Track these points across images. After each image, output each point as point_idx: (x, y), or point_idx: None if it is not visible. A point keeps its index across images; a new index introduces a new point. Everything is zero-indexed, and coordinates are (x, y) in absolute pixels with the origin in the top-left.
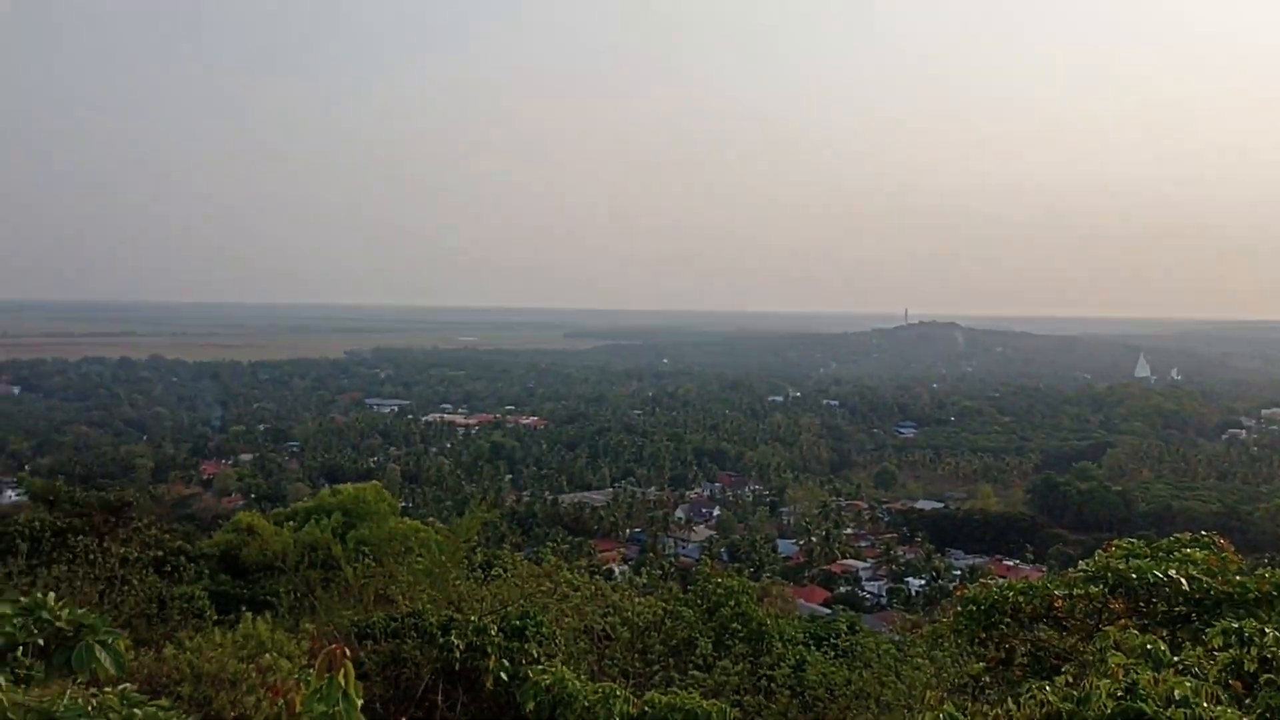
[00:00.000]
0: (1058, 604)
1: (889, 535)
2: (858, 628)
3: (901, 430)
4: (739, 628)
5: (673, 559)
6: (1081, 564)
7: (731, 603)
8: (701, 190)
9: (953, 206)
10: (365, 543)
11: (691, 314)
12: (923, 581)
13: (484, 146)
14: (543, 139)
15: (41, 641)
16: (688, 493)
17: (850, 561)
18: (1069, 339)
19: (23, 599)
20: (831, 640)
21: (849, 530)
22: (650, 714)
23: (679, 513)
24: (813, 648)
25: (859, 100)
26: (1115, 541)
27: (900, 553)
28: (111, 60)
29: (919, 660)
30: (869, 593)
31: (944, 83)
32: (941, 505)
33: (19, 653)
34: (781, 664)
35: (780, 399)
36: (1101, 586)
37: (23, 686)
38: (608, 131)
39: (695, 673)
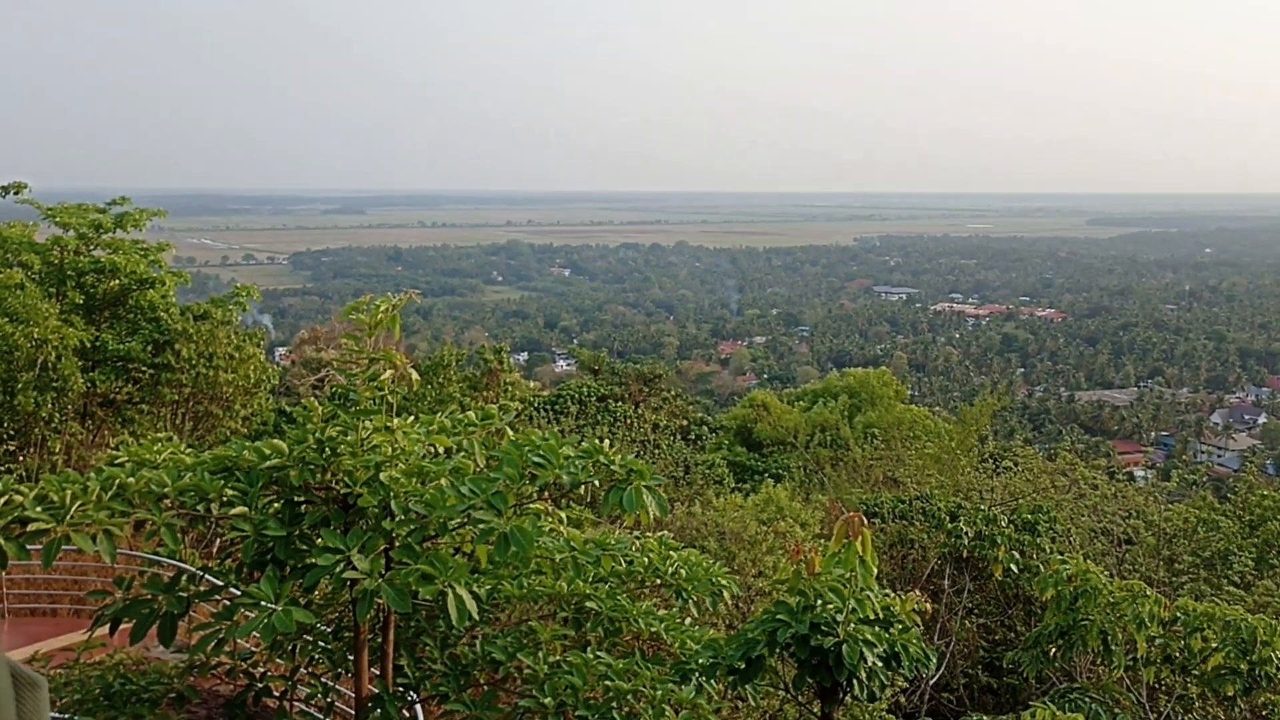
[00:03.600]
0: None
1: None
2: None
3: None
4: None
5: (1206, 467)
6: None
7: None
8: (1245, 53)
9: None
10: (873, 426)
11: (1242, 196)
12: None
13: (1003, 22)
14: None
15: (597, 483)
16: (1227, 397)
17: None
18: None
19: (584, 444)
20: None
21: None
22: (1184, 620)
23: (1215, 418)
24: None
25: None
26: None
27: None
28: None
29: None
30: None
31: None
32: None
33: (580, 492)
34: None
35: None
36: None
37: (576, 529)
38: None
39: (1231, 588)
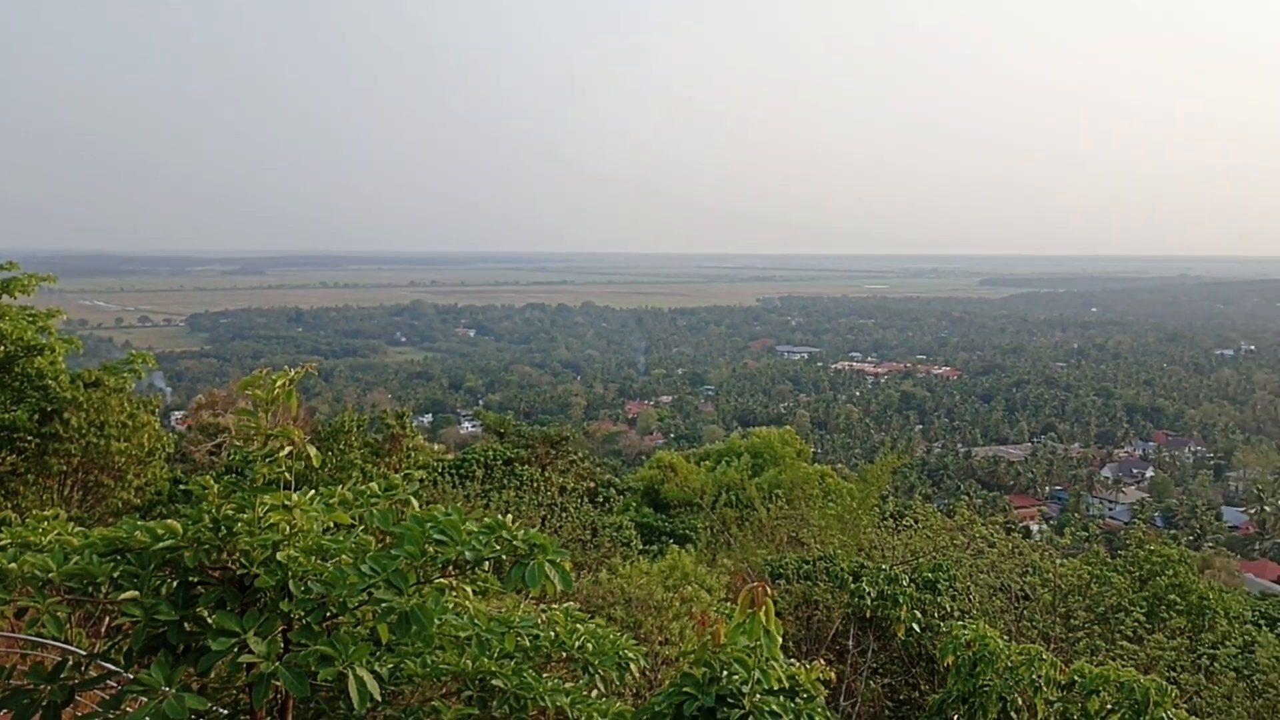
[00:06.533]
0: None
1: None
2: None
3: None
4: (1176, 600)
5: (1098, 521)
6: None
7: (1168, 572)
8: (1135, 126)
9: None
10: (777, 485)
11: (1125, 259)
12: None
13: (894, 95)
14: (958, 85)
15: (502, 557)
16: (1116, 451)
17: None
18: None
19: (486, 519)
20: None
21: None
22: (1080, 683)
23: (1105, 472)
24: (1264, 628)
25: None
26: None
27: None
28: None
29: None
30: None
31: None
32: None
33: (484, 566)
34: (1226, 643)
35: (1230, 353)
36: None
37: (481, 597)
38: (1020, 77)
39: (1124, 643)
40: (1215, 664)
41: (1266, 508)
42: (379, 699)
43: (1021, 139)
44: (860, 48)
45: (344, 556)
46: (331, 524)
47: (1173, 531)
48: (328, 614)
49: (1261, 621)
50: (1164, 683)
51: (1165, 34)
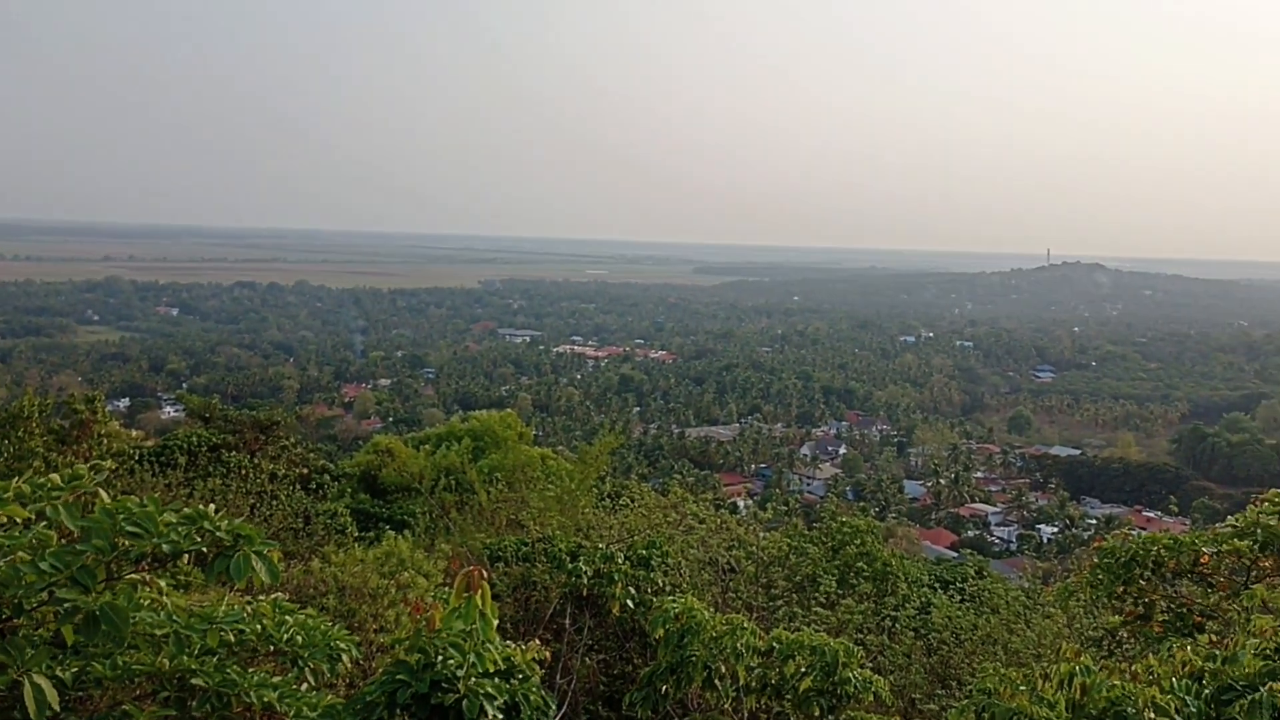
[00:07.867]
0: (1204, 560)
1: (1021, 481)
2: (985, 573)
3: (1039, 374)
4: (864, 567)
5: (798, 496)
6: (1230, 519)
7: (857, 542)
8: (836, 129)
9: (1098, 140)
10: (498, 468)
11: (824, 251)
12: (1055, 529)
13: (620, 85)
14: (680, 78)
15: (204, 550)
16: (814, 430)
17: (979, 506)
18: (1226, 283)
19: (186, 509)
20: (958, 584)
21: (979, 474)
22: (778, 649)
23: (805, 450)
24: (938, 591)
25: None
26: (1266, 495)
27: (1032, 499)
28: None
29: (1050, 609)
30: (998, 538)
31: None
32: (1078, 452)
33: (183, 560)
34: (906, 605)
35: (912, 339)
36: (1251, 542)
37: (182, 591)
38: (735, 70)
39: (819, 610)
40: (896, 625)
41: (941, 481)
42: (57, 709)
43: (722, 136)
44: (572, 43)
45: (19, 554)
46: (5, 520)
47: (862, 504)
48: (2, 617)
49: (936, 585)
50: (851, 645)
51: (841, 37)
